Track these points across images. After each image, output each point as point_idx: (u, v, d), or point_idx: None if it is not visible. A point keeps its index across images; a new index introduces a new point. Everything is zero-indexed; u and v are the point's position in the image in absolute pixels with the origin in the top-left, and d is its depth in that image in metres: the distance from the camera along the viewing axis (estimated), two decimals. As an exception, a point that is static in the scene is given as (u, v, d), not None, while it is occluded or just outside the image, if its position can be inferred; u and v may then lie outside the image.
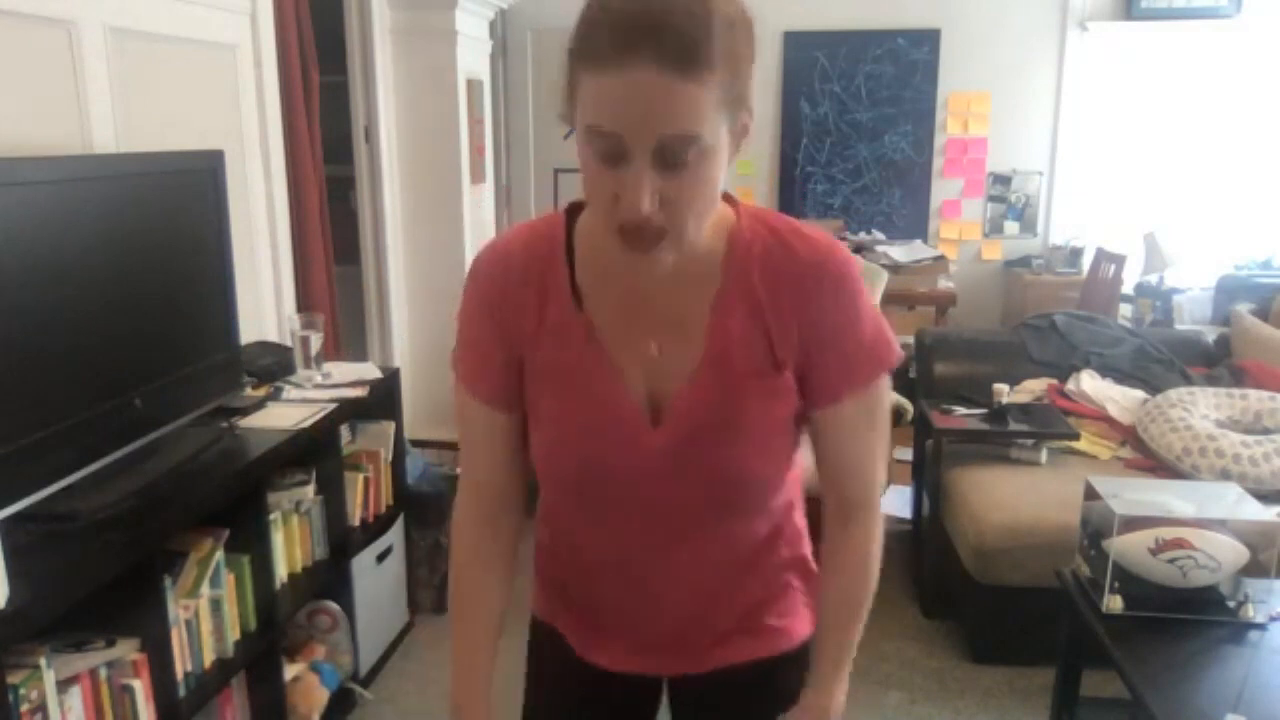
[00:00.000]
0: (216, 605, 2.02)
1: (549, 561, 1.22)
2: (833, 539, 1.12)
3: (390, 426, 2.83)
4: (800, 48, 5.54)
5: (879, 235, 5.44)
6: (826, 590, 1.14)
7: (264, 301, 2.87)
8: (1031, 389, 3.43)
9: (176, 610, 1.87)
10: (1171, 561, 1.89)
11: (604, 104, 0.84)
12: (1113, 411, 3.27)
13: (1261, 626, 1.89)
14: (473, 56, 3.99)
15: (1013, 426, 3.05)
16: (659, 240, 0.89)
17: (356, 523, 2.69)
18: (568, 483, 1.09)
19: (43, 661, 1.52)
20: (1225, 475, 2.81)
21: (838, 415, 1.04)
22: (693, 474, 1.02)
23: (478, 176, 4.09)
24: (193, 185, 2.19)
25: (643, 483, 1.03)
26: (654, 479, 1.03)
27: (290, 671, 2.32)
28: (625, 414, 1.01)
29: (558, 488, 1.12)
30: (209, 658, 2.00)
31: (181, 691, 1.86)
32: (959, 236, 5.67)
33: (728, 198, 1.00)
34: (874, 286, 3.70)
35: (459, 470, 1.17)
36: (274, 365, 2.60)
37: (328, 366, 2.71)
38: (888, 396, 1.07)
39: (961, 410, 3.16)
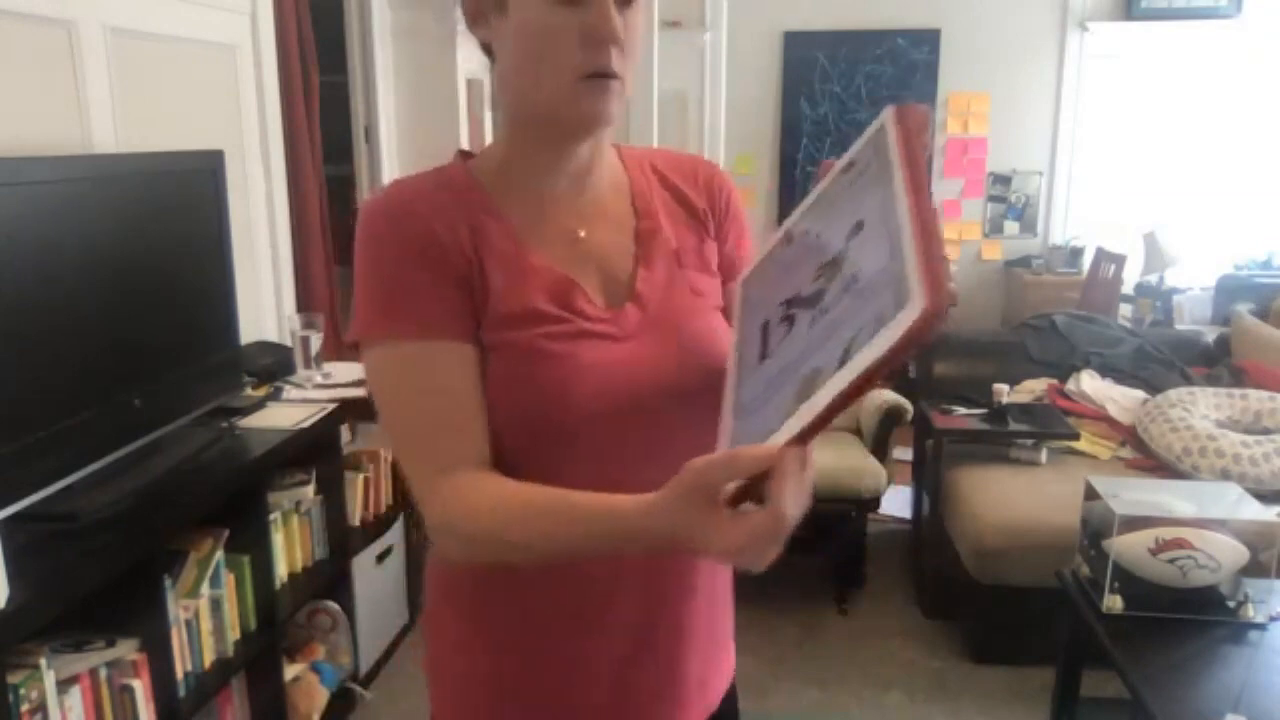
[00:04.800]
0: (216, 605, 2.02)
1: (482, 644, 1.00)
2: None
3: (390, 426, 2.82)
4: (800, 48, 5.54)
5: (879, 235, 5.44)
6: None
7: (264, 301, 2.87)
8: (1031, 389, 3.43)
9: (176, 610, 1.87)
10: (1171, 561, 1.89)
11: None
12: (1113, 411, 3.27)
13: (1261, 626, 1.89)
14: (473, 56, 3.99)
15: (1013, 426, 3.05)
16: (613, 89, 0.90)
17: (356, 523, 2.69)
18: (546, 406, 0.90)
19: (43, 661, 1.52)
20: (1225, 475, 2.81)
21: None
22: (672, 355, 0.95)
23: (478, 176, 4.09)
24: (193, 185, 2.19)
25: (623, 390, 0.92)
26: (633, 373, 0.93)
27: (290, 671, 2.32)
28: (592, 310, 0.95)
29: (525, 430, 0.91)
30: (209, 658, 2.00)
31: (181, 691, 1.86)
32: (959, 236, 5.67)
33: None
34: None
35: (410, 469, 0.90)
36: (274, 365, 2.60)
37: (328, 366, 2.70)
38: None
39: (961, 410, 3.16)
